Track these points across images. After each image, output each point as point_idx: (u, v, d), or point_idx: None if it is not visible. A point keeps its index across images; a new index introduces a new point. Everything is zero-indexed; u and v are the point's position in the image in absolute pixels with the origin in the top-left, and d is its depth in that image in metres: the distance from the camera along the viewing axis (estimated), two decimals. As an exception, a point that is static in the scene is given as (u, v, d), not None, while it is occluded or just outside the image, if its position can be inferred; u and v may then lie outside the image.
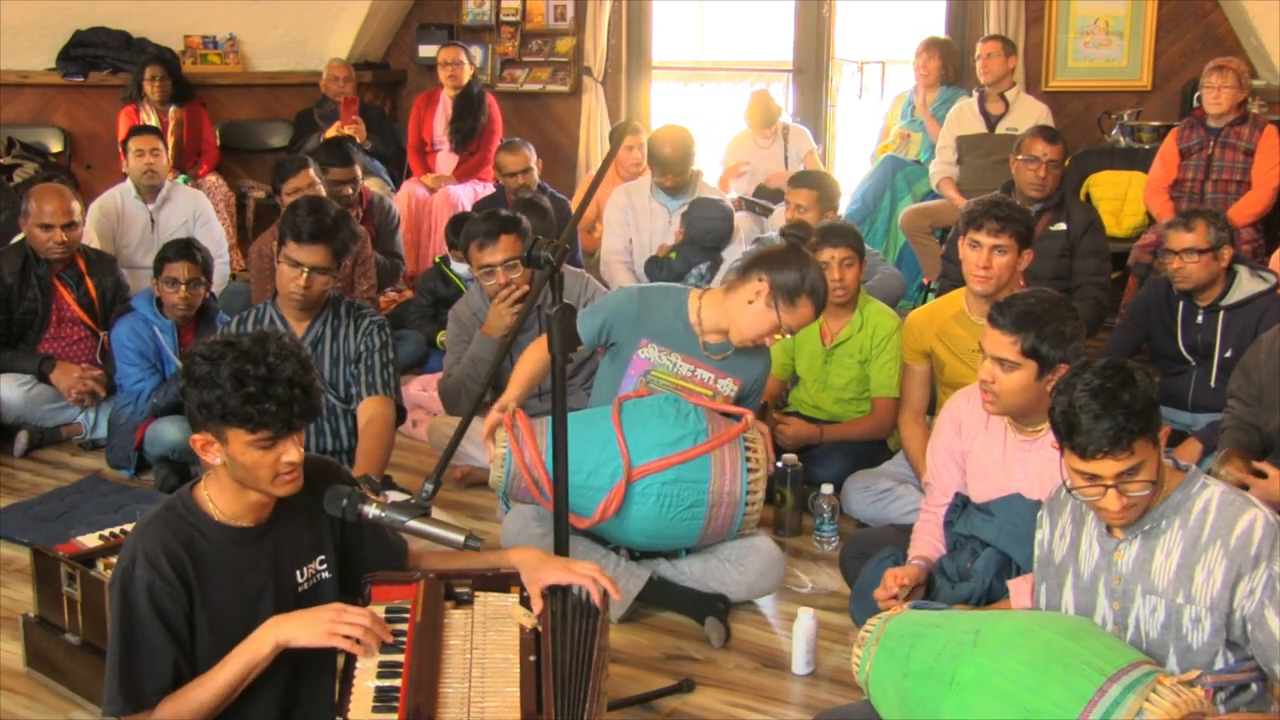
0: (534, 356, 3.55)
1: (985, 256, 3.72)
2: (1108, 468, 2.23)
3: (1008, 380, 2.90)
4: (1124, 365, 2.27)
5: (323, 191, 5.32)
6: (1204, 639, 2.27)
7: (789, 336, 3.49)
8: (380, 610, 2.29)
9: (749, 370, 3.56)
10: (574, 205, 6.20)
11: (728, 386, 3.53)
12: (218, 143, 7.33)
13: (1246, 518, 2.25)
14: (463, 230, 4.47)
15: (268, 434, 2.14)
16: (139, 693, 2.15)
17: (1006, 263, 3.72)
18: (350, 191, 5.50)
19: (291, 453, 2.18)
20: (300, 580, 2.32)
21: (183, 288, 4.42)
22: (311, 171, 5.29)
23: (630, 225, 5.59)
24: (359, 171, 5.31)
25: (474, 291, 4.44)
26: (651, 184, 5.61)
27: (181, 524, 2.22)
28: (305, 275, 3.53)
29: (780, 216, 5.76)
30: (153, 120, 6.75)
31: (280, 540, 2.30)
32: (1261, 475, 3.19)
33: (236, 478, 2.21)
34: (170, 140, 6.71)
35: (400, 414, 3.73)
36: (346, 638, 2.13)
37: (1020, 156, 5.04)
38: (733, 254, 5.46)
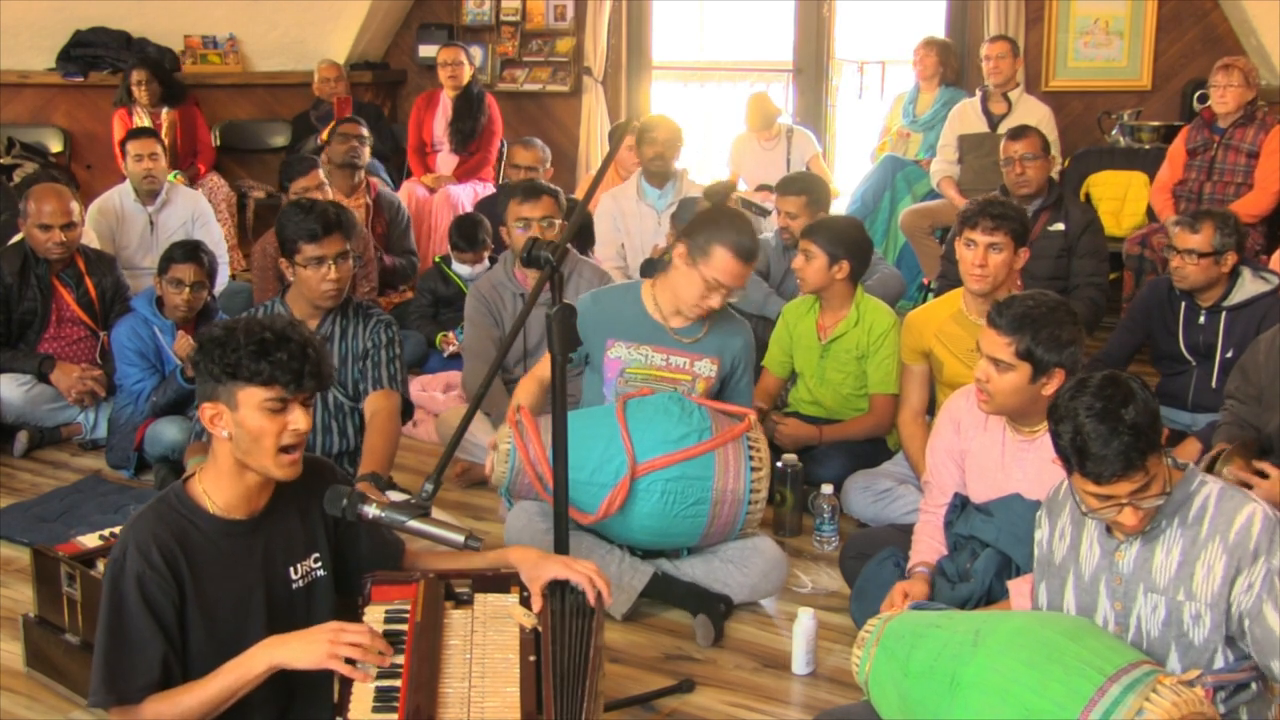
0: (529, 389, 3.58)
1: (980, 255, 3.73)
2: (1122, 488, 2.24)
3: (1002, 381, 2.90)
4: (1119, 379, 2.26)
5: (330, 193, 5.33)
6: (1204, 635, 2.27)
7: (735, 295, 3.41)
8: (380, 611, 2.29)
9: (726, 347, 3.57)
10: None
11: (705, 368, 3.54)
12: (214, 143, 7.33)
13: (1245, 512, 2.25)
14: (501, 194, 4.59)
15: (279, 391, 2.17)
16: (124, 686, 2.15)
17: (1002, 260, 3.73)
18: (321, 196, 5.33)
19: (299, 421, 2.20)
20: (294, 577, 2.32)
21: (187, 290, 4.43)
22: (321, 172, 5.30)
23: (620, 230, 5.61)
24: (322, 175, 5.34)
25: (497, 267, 4.53)
26: (638, 185, 5.64)
27: (174, 516, 2.23)
28: (333, 267, 3.53)
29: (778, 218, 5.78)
30: (145, 123, 6.76)
31: (273, 535, 2.30)
32: (1263, 475, 3.19)
33: (239, 454, 2.22)
34: (164, 142, 6.72)
35: (408, 408, 3.74)
36: (347, 661, 2.11)
37: (1001, 162, 5.11)
38: None
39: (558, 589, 2.34)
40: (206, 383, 2.22)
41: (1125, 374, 2.29)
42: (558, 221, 4.40)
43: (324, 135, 6.78)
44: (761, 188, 6.74)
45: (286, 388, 2.18)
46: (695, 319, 3.51)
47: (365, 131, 5.97)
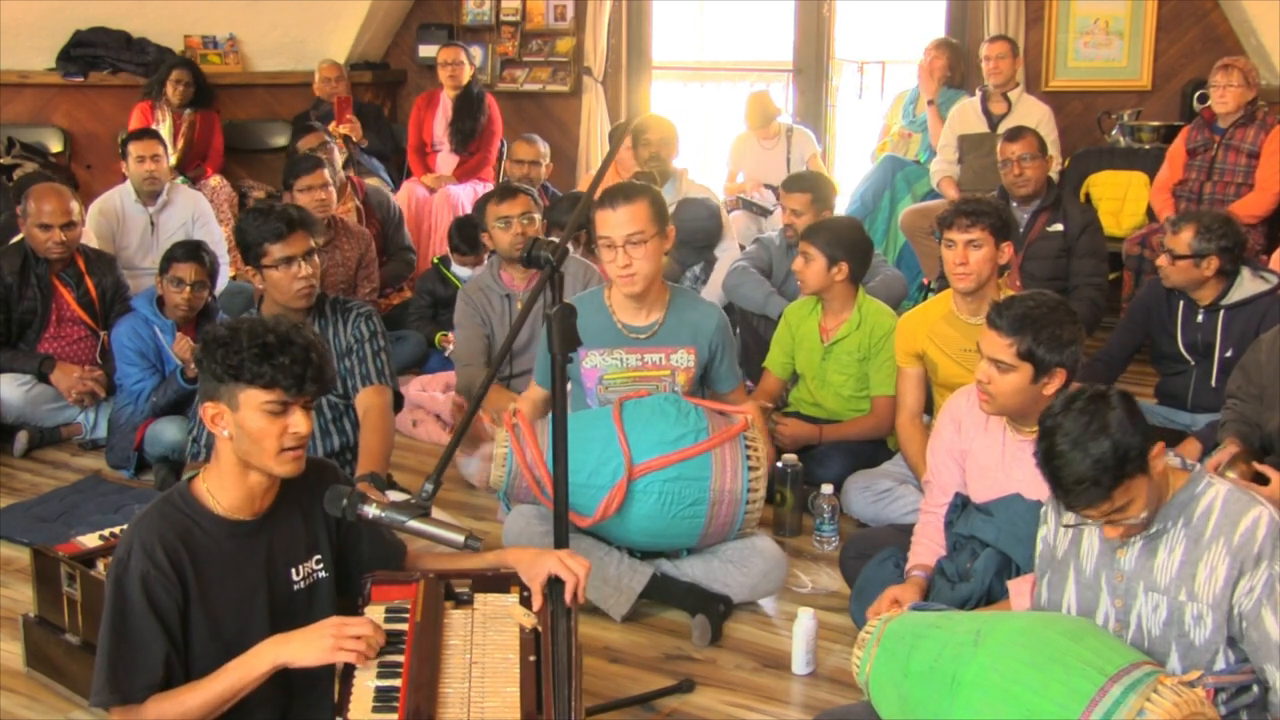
0: (524, 406, 3.58)
1: (961, 253, 3.75)
2: (1095, 512, 2.28)
3: (1004, 382, 2.90)
4: (1105, 401, 2.26)
5: (334, 194, 5.32)
6: (1205, 636, 2.27)
7: (629, 249, 3.37)
8: (380, 611, 2.29)
9: (700, 332, 3.55)
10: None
11: (682, 359, 3.53)
12: (223, 147, 7.32)
13: (1251, 515, 2.25)
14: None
15: (279, 394, 2.17)
16: (127, 686, 2.15)
17: (983, 256, 3.74)
18: (324, 196, 5.28)
19: (300, 424, 2.21)
20: (296, 578, 2.32)
21: (187, 289, 4.43)
22: (326, 172, 5.28)
23: None
24: (328, 175, 5.30)
25: (485, 271, 4.54)
26: None
27: (179, 516, 2.23)
28: (303, 264, 3.51)
29: (779, 217, 5.78)
30: (166, 120, 6.76)
31: (275, 536, 2.30)
32: (1264, 480, 3.19)
33: (240, 453, 2.22)
34: (180, 143, 6.73)
35: (398, 400, 3.73)
36: (350, 650, 2.12)
37: (999, 163, 5.13)
38: (725, 250, 5.48)
39: (557, 588, 2.34)
40: (209, 382, 2.23)
41: (1114, 393, 2.29)
42: (537, 216, 4.45)
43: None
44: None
45: (288, 391, 2.18)
46: (638, 292, 3.45)
47: (327, 136, 5.90)
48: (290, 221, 3.53)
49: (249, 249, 3.55)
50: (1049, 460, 2.28)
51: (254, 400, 2.18)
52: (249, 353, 2.16)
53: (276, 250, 3.50)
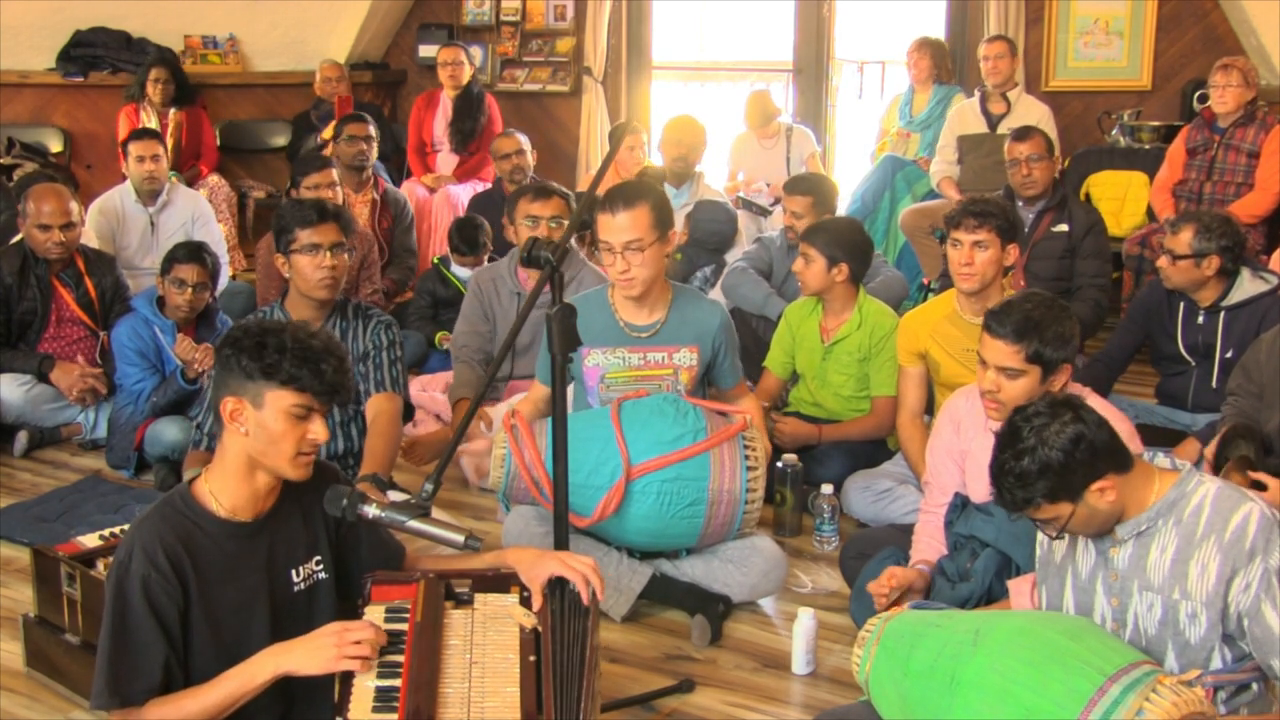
0: (525, 407, 3.59)
1: (967, 254, 3.74)
2: (1018, 513, 2.37)
3: (1013, 388, 2.90)
4: (1060, 421, 2.28)
5: (340, 194, 5.34)
6: (1200, 634, 2.28)
7: (627, 255, 3.37)
8: (380, 611, 2.29)
9: (703, 331, 3.55)
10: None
11: (685, 357, 3.54)
12: (217, 144, 7.33)
13: (1241, 512, 2.25)
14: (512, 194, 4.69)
15: (309, 399, 2.20)
16: (127, 689, 2.15)
17: (989, 258, 3.74)
18: (330, 195, 5.27)
19: (319, 431, 2.24)
20: (296, 580, 2.32)
21: (189, 290, 4.44)
22: (335, 173, 5.31)
23: None
24: (335, 175, 5.35)
25: (502, 261, 4.54)
26: None
27: (180, 518, 2.23)
28: (329, 255, 3.53)
29: (780, 217, 5.78)
30: (152, 121, 6.76)
31: (275, 537, 2.31)
32: (1261, 487, 3.18)
33: (254, 452, 2.22)
34: (169, 142, 6.72)
35: (408, 410, 3.74)
36: (354, 658, 2.13)
37: (1006, 163, 5.13)
38: (735, 256, 5.49)
39: (557, 588, 2.34)
40: (233, 377, 2.22)
41: (1077, 409, 2.30)
42: (566, 223, 4.43)
43: (326, 133, 6.78)
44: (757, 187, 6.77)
45: (317, 398, 2.21)
46: (638, 295, 3.46)
47: (372, 130, 5.98)
48: (324, 212, 3.59)
49: (280, 234, 3.59)
50: (995, 451, 2.34)
51: (282, 401, 2.19)
52: (291, 354, 2.18)
53: (305, 236, 3.53)
